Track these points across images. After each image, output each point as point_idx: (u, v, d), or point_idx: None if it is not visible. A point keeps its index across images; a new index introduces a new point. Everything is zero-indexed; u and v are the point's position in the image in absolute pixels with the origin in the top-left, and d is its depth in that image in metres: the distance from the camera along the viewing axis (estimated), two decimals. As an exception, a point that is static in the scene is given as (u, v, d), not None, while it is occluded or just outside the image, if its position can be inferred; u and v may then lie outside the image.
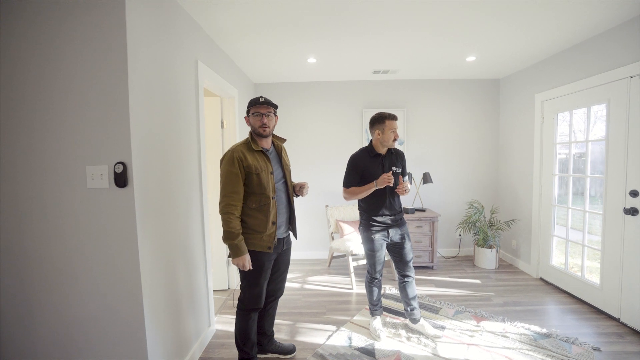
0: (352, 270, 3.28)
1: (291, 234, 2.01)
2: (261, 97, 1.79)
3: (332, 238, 3.77)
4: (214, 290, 3.09)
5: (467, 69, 3.55)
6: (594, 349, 2.14)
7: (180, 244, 1.94)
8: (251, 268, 1.72)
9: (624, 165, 2.38)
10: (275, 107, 1.82)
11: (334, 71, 3.61)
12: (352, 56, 3.10)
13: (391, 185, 2.07)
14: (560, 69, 2.97)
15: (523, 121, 3.53)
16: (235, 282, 3.26)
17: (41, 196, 1.42)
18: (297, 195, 2.01)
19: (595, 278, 2.70)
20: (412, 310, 2.32)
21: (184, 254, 1.99)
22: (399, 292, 2.37)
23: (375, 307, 2.38)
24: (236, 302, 1.91)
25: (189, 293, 2.05)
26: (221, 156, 1.79)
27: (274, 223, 1.79)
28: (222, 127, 3.15)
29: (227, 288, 3.23)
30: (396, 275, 2.38)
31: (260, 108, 1.76)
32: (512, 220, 3.60)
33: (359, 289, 3.21)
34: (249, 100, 1.83)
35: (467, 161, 4.09)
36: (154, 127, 1.66)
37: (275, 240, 1.82)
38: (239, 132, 3.28)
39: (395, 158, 2.26)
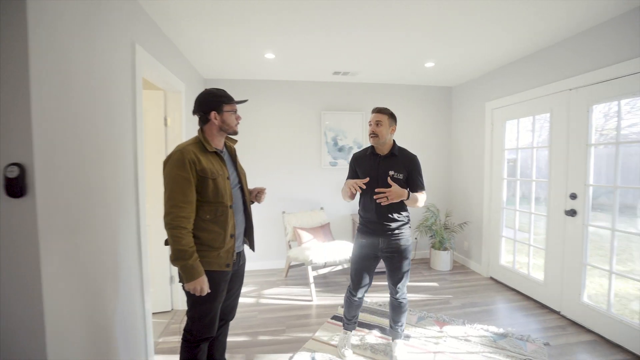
0: (311, 280, 3.09)
1: (247, 246, 1.77)
2: (225, 93, 1.59)
3: (290, 247, 3.55)
4: (154, 314, 2.67)
5: (423, 75, 3.62)
6: (545, 344, 2.24)
7: (106, 263, 1.57)
8: (209, 291, 1.44)
9: (565, 170, 2.57)
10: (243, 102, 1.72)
11: (294, 70, 3.42)
12: (313, 54, 2.95)
13: (358, 190, 1.89)
14: (508, 80, 3.16)
15: (474, 128, 3.71)
16: (181, 303, 2.86)
17: None
18: (253, 202, 1.79)
19: (540, 275, 2.88)
20: (390, 325, 2.17)
21: (112, 275, 1.62)
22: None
23: (349, 321, 2.20)
24: (182, 331, 1.59)
25: (120, 321, 1.68)
26: (165, 158, 1.48)
27: (232, 236, 1.53)
28: (166, 124, 2.76)
29: (170, 309, 2.81)
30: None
31: (234, 106, 1.58)
32: (464, 223, 3.75)
33: (320, 300, 3.03)
34: (211, 93, 1.54)
35: (423, 165, 4.16)
36: (71, 120, 1.30)
37: (235, 255, 1.57)
38: (186, 131, 2.91)
39: (399, 162, 1.93)
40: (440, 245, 3.72)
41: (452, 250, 3.74)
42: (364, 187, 1.87)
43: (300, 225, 3.61)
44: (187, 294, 1.48)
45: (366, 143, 4.06)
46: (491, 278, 3.47)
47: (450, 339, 2.31)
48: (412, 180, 1.95)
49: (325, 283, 3.44)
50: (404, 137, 4.12)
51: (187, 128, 2.94)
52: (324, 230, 3.67)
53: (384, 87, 4.02)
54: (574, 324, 2.51)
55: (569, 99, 2.52)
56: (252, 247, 1.75)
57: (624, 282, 2.40)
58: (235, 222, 1.56)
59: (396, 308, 2.06)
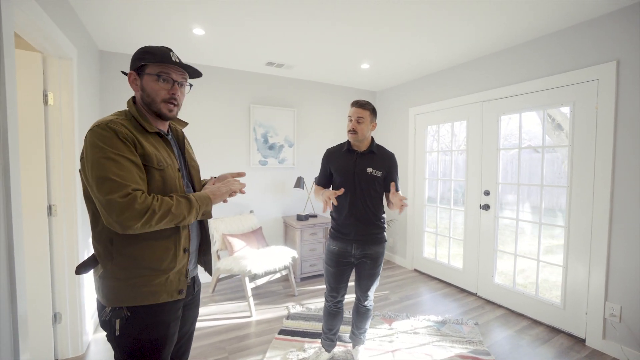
0: (250, 293, 2.73)
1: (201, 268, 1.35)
2: (172, 52, 1.09)
3: (219, 257, 3.07)
4: (29, 372, 1.85)
5: (357, 76, 3.70)
6: (475, 324, 2.53)
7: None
8: (181, 297, 1.03)
9: (480, 170, 2.98)
10: (198, 75, 1.16)
11: (225, 54, 2.97)
12: (246, 38, 2.59)
13: (329, 207, 1.65)
14: (431, 88, 3.50)
15: (399, 131, 3.99)
16: (71, 349, 2.09)
17: None
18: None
19: (459, 263, 3.27)
20: (351, 331, 2.07)
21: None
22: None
23: (326, 335, 1.98)
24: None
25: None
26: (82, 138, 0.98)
27: (185, 250, 1.10)
28: (46, 103, 1.98)
29: (53, 360, 2.02)
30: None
31: (171, 70, 1.06)
32: (391, 221, 3.98)
33: (260, 314, 2.70)
34: (140, 49, 1.07)
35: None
36: None
37: (189, 278, 1.15)
38: (79, 115, 2.16)
39: (377, 159, 1.81)
40: (371, 243, 3.85)
41: (380, 246, 3.93)
42: (335, 199, 1.68)
43: (229, 232, 3.18)
44: (120, 343, 1.01)
45: (298, 141, 3.89)
46: (415, 270, 3.78)
47: (401, 335, 2.36)
48: (392, 179, 1.83)
49: (259, 294, 3.10)
50: (336, 137, 4.14)
51: (80, 111, 2.19)
52: (256, 235, 3.32)
53: (318, 85, 3.95)
54: (489, 302, 2.92)
55: (482, 110, 2.94)
56: (208, 268, 1.29)
57: (510, 261, 2.93)
58: (189, 234, 1.14)
59: (362, 315, 1.96)
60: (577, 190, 2.33)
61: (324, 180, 1.93)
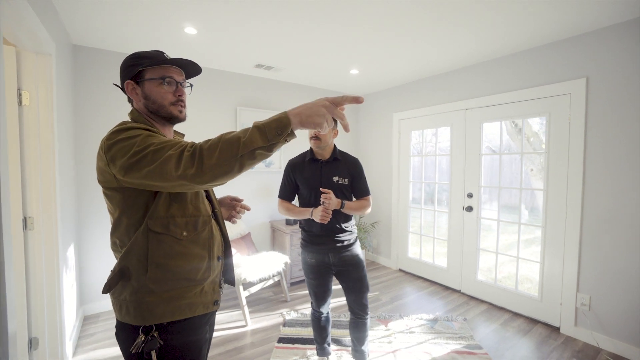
0: (244, 302, 2.65)
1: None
2: (164, 53, 1.04)
3: (206, 265, 2.94)
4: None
5: (341, 80, 3.73)
6: (464, 320, 2.68)
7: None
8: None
9: (463, 174, 3.16)
10: (197, 73, 1.13)
11: (213, 54, 2.85)
12: (239, 38, 2.50)
13: (325, 222, 1.63)
14: (415, 95, 3.64)
15: (382, 135, 4.10)
16: (52, 374, 1.89)
17: None
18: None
19: (443, 262, 3.44)
20: (354, 349, 1.99)
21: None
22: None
23: (321, 345, 1.97)
24: None
25: None
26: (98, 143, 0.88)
27: (219, 258, 1.08)
28: (20, 103, 1.76)
29: (32, 391, 1.81)
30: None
31: (172, 71, 1.01)
32: (375, 222, 4.08)
33: (255, 322, 2.64)
34: (130, 56, 1.00)
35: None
36: None
37: (222, 288, 1.13)
38: (58, 118, 1.95)
39: (342, 166, 1.79)
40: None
41: (366, 249, 4.01)
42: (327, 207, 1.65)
43: (217, 239, 3.05)
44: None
45: (284, 145, 3.84)
46: (400, 270, 3.91)
47: (398, 335, 2.44)
48: (357, 185, 1.81)
49: (251, 302, 3.02)
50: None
51: (59, 113, 1.98)
52: (246, 241, 3.23)
53: (304, 88, 3.93)
54: (473, 298, 3.11)
55: (465, 117, 3.12)
56: (230, 279, 1.22)
57: (488, 257, 3.16)
58: (221, 241, 1.11)
59: (361, 327, 1.89)
60: (552, 193, 2.56)
61: (290, 193, 1.86)
